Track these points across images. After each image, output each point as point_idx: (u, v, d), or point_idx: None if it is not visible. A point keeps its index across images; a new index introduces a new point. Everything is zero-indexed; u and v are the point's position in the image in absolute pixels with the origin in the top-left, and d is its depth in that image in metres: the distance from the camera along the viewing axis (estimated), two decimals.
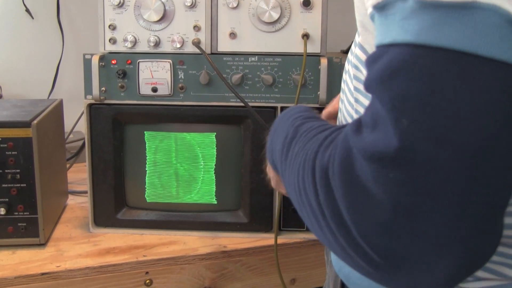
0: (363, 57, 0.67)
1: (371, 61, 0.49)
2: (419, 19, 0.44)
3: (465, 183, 0.43)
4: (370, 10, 0.51)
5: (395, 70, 0.45)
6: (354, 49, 0.71)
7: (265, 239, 1.29)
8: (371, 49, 0.63)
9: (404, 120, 0.43)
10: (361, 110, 0.69)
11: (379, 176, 0.45)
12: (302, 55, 1.21)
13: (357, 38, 0.70)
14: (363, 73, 0.67)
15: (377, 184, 0.45)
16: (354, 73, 0.69)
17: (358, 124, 0.49)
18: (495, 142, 0.43)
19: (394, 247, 0.46)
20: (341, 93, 0.79)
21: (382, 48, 0.47)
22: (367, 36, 0.63)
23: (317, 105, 1.24)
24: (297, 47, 1.24)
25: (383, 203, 0.45)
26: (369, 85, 0.48)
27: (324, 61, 1.22)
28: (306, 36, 1.23)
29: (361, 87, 0.68)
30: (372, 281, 0.64)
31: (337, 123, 0.80)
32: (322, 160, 0.52)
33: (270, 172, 0.85)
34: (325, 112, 0.92)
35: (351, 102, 0.71)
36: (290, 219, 1.31)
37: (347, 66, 0.76)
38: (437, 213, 0.44)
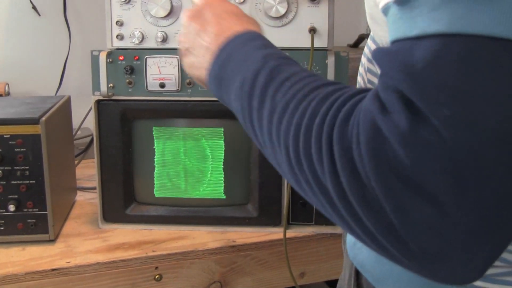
0: None
1: (392, 54, 0.47)
2: (450, 9, 0.44)
3: (507, 172, 0.43)
4: (384, 3, 0.50)
5: (429, 61, 0.44)
6: (369, 42, 0.72)
7: (274, 233, 1.29)
8: (380, 40, 0.63)
9: (445, 110, 0.43)
10: None
11: (421, 165, 0.43)
12: (309, 50, 1.21)
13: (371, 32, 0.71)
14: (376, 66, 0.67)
15: (417, 173, 0.44)
16: (368, 66, 0.70)
17: (381, 105, 0.47)
18: None
19: (438, 242, 0.45)
20: (357, 86, 0.80)
21: (407, 41, 0.46)
22: (375, 28, 0.64)
23: None
24: (304, 41, 1.24)
25: (426, 195, 0.44)
26: (392, 77, 0.46)
27: (331, 55, 1.22)
28: (313, 30, 1.22)
29: (375, 80, 0.69)
30: (384, 269, 0.65)
31: None
32: (342, 138, 0.48)
33: (192, 70, 0.80)
34: None
35: None
36: (299, 213, 1.31)
37: (363, 59, 0.77)
38: (480, 203, 0.43)
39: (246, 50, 0.68)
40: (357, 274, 0.76)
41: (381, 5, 0.51)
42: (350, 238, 0.78)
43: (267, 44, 0.69)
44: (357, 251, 0.74)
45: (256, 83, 0.61)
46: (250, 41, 0.69)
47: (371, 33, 0.70)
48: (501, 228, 0.45)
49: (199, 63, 0.76)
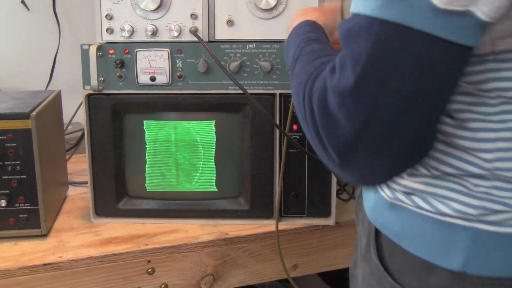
0: None
1: (343, 22, 0.67)
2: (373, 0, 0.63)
3: (396, 114, 0.63)
4: None
5: (356, 32, 0.64)
6: None
7: (266, 226, 1.29)
8: None
9: (358, 67, 0.62)
10: None
11: (341, 104, 0.64)
12: None
13: None
14: None
15: (340, 111, 0.64)
16: None
17: (333, 67, 0.67)
18: (419, 86, 0.62)
19: (350, 153, 0.67)
20: None
21: (351, 15, 0.66)
22: None
23: None
24: None
25: (343, 123, 0.65)
26: (340, 39, 0.67)
27: None
28: None
29: None
30: (405, 224, 0.78)
31: None
32: (311, 88, 0.71)
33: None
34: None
35: None
36: (291, 206, 1.31)
37: None
38: (377, 131, 0.64)
39: (294, 36, 0.93)
40: (376, 236, 0.83)
41: None
42: (368, 204, 0.85)
43: (308, 30, 0.93)
44: (377, 213, 0.82)
45: (294, 57, 0.86)
46: (299, 29, 0.95)
47: None
48: (397, 145, 0.65)
49: None
